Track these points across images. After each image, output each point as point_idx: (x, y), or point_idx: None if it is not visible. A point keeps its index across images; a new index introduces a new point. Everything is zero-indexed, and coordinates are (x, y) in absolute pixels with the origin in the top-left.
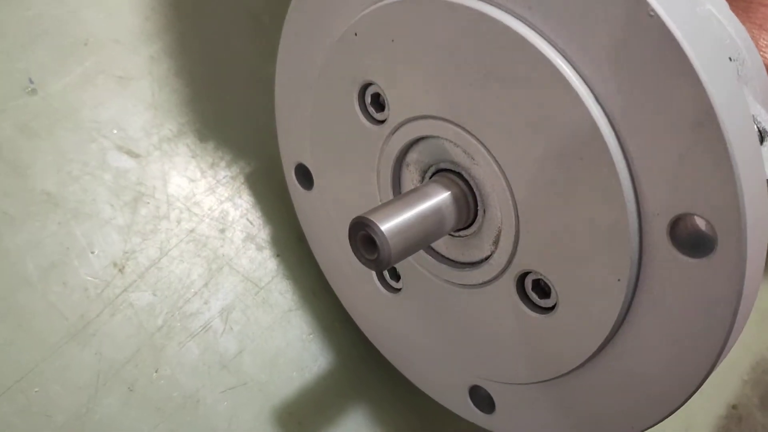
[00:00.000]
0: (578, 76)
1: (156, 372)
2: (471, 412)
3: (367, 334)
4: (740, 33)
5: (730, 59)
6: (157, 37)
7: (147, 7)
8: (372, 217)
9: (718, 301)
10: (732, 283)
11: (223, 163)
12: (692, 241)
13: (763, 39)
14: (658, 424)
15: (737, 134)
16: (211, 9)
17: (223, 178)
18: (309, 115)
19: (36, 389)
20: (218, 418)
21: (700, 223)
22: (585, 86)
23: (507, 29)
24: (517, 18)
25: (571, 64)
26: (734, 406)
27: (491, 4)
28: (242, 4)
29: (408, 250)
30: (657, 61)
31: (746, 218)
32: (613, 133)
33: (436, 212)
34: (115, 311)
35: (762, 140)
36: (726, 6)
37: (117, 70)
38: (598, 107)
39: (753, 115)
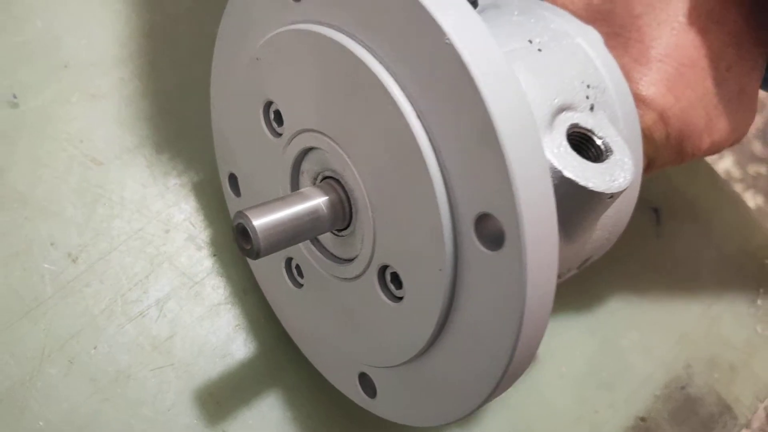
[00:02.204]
0: (404, 95)
1: (95, 348)
2: (361, 398)
3: (285, 327)
4: (608, 65)
5: (588, 86)
6: (129, 61)
7: (123, 35)
8: (248, 213)
9: (510, 290)
10: (518, 274)
11: (174, 173)
12: (490, 235)
13: (637, 71)
14: None
15: (516, 144)
16: (181, 37)
17: (173, 185)
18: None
19: None
20: (146, 393)
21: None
22: (409, 103)
23: (348, 52)
24: (359, 43)
25: (398, 83)
26: (643, 419)
27: (339, 31)
28: (209, 34)
29: (279, 244)
30: (453, 80)
31: (523, 216)
32: (429, 144)
33: (310, 213)
34: (65, 295)
35: (604, 155)
36: (600, 42)
37: (90, 89)
38: (419, 121)
39: (602, 137)
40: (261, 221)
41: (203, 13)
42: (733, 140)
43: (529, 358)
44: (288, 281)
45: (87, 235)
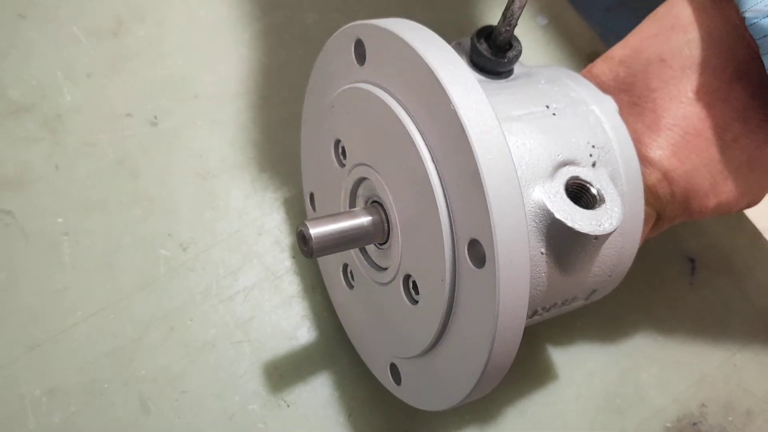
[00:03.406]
0: (424, 143)
1: (191, 321)
2: (391, 385)
3: (341, 321)
4: (617, 129)
5: (593, 146)
6: (246, 95)
7: (244, 74)
8: (308, 223)
9: (488, 300)
10: (493, 289)
11: (271, 188)
12: (477, 256)
13: (648, 137)
14: None
15: (497, 189)
16: (290, 79)
17: (269, 198)
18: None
19: (112, 316)
20: (225, 360)
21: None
22: (427, 150)
23: (389, 109)
24: (398, 102)
25: (422, 134)
26: None
27: (386, 91)
28: None
29: (328, 249)
30: (456, 136)
31: (498, 245)
32: (440, 183)
33: (356, 228)
34: (173, 276)
35: (597, 204)
36: (613, 109)
37: (213, 116)
38: (433, 165)
39: (597, 188)
40: (316, 230)
41: (309, 61)
42: (746, 203)
43: (506, 359)
44: (343, 282)
45: (196, 231)
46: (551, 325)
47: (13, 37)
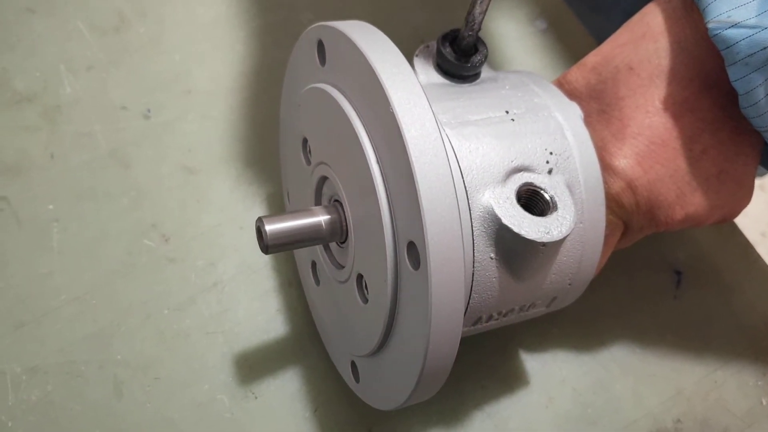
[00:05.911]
0: (371, 145)
1: (167, 310)
2: (352, 383)
3: (312, 317)
4: (579, 136)
5: (551, 153)
6: (238, 92)
7: (238, 72)
8: (264, 219)
9: (423, 301)
10: (426, 289)
11: (255, 184)
12: (414, 257)
13: (613, 145)
14: None
15: (430, 191)
16: (283, 78)
17: (252, 194)
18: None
19: (93, 301)
20: (198, 350)
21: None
22: (373, 151)
23: (341, 109)
24: (350, 103)
25: (369, 135)
26: None
27: (341, 92)
28: None
29: (284, 246)
30: (395, 138)
31: (429, 246)
32: (383, 184)
33: (312, 227)
34: (154, 266)
35: (549, 211)
36: (577, 117)
37: (204, 111)
38: (378, 166)
39: (551, 195)
40: (271, 226)
41: None
42: (720, 216)
43: (444, 362)
44: (312, 279)
45: (180, 222)
46: (525, 330)
47: (21, 30)
